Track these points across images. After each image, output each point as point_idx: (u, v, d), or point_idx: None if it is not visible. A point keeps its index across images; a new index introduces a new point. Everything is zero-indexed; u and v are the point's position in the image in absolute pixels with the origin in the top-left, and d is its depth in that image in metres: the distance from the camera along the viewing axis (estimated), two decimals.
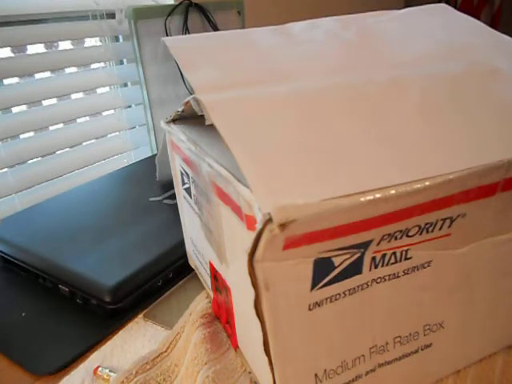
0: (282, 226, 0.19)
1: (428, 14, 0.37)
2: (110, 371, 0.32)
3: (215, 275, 0.32)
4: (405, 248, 0.23)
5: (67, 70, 0.69)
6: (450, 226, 0.24)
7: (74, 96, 0.70)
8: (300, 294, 0.22)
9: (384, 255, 0.23)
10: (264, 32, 0.34)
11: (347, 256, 0.22)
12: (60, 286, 0.40)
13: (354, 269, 0.23)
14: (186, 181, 0.34)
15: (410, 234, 0.23)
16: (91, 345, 0.35)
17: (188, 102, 0.30)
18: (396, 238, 0.23)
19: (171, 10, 0.73)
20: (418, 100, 0.26)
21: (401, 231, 0.22)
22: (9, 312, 0.39)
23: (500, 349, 0.31)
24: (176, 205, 0.40)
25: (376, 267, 0.23)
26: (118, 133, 0.76)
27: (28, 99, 0.62)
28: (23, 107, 0.64)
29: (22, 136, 0.64)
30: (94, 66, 0.74)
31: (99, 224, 0.47)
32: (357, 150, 0.22)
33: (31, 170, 0.64)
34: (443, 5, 0.39)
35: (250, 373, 0.30)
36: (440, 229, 0.23)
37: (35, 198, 0.63)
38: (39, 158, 0.65)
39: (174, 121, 0.35)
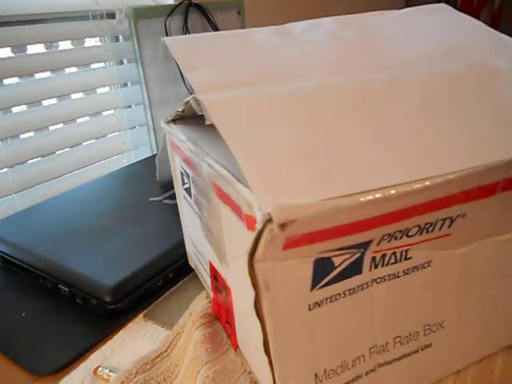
0: (282, 225, 0.19)
1: (428, 14, 0.37)
2: (110, 371, 0.32)
3: (215, 275, 0.32)
4: (405, 248, 0.23)
5: (67, 70, 0.69)
6: (450, 226, 0.24)
7: (74, 96, 0.70)
8: (300, 294, 0.22)
9: (384, 255, 0.23)
10: (264, 32, 0.34)
11: (347, 256, 0.22)
12: (60, 286, 0.40)
13: (354, 269, 0.23)
14: (186, 181, 0.34)
15: (410, 234, 0.23)
16: (91, 345, 0.35)
17: (188, 102, 0.30)
18: (396, 238, 0.23)
19: (171, 10, 0.73)
20: (418, 100, 0.26)
21: (401, 231, 0.22)
22: (9, 312, 0.39)
23: (500, 349, 0.31)
24: (176, 205, 0.40)
25: (376, 267, 0.23)
26: (117, 133, 0.76)
27: (28, 99, 0.62)
28: (23, 107, 0.64)
29: (22, 136, 0.64)
30: (94, 65, 0.74)
31: (99, 224, 0.47)
32: (357, 149, 0.22)
33: (31, 169, 0.64)
34: (443, 5, 0.39)
35: (249, 373, 0.30)
36: (440, 229, 0.23)
37: (35, 198, 0.63)
38: (39, 158, 0.65)
39: (173, 121, 0.35)
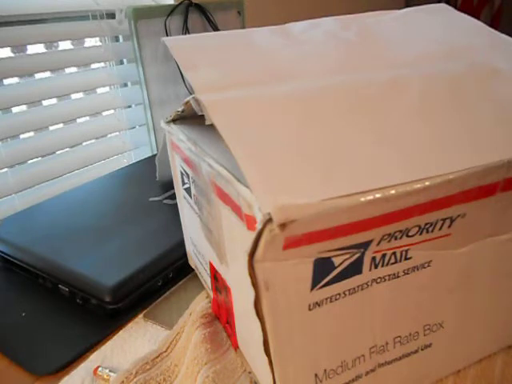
0: (282, 225, 0.19)
1: (428, 14, 0.37)
2: (110, 371, 0.32)
3: (215, 275, 0.32)
4: (405, 248, 0.23)
5: (67, 70, 0.69)
6: (449, 226, 0.24)
7: (74, 96, 0.70)
8: (300, 294, 0.22)
9: (384, 255, 0.23)
10: (264, 32, 0.34)
11: (347, 256, 0.22)
12: (60, 286, 0.40)
13: (354, 269, 0.23)
14: (186, 181, 0.34)
15: (410, 234, 0.23)
16: (91, 345, 0.35)
17: (188, 102, 0.30)
18: (396, 238, 0.23)
19: (171, 10, 0.73)
20: (418, 100, 0.26)
21: (401, 231, 0.22)
22: (9, 312, 0.39)
23: (500, 349, 0.31)
24: (176, 205, 0.40)
25: (376, 267, 0.23)
26: (117, 133, 0.76)
27: (28, 99, 0.62)
28: (23, 107, 0.64)
29: (22, 136, 0.64)
30: (94, 65, 0.74)
31: (99, 224, 0.47)
32: (357, 149, 0.22)
33: (31, 169, 0.64)
34: (443, 5, 0.39)
35: (250, 373, 0.30)
36: (440, 229, 0.23)
37: (35, 198, 0.63)
38: (39, 158, 0.65)
39: (173, 121, 0.35)
